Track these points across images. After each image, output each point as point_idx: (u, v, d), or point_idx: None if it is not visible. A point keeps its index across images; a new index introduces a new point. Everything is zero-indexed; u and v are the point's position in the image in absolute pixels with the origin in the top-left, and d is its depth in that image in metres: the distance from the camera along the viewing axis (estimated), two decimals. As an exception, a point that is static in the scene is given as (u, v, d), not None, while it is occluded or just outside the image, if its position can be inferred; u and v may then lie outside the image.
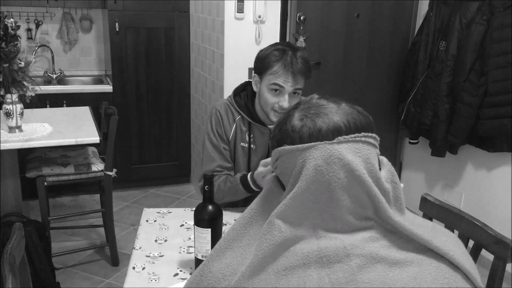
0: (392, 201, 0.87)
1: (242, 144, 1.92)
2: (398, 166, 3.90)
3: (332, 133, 0.85)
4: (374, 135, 0.89)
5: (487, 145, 2.96)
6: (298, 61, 1.75)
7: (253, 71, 1.88)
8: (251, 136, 1.91)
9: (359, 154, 0.85)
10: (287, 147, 0.88)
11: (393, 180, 0.90)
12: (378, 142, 0.91)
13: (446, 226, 1.66)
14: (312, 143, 0.85)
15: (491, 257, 1.47)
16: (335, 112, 0.87)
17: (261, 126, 1.90)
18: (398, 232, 0.85)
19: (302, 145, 0.86)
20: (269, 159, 1.70)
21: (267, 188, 0.97)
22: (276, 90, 1.76)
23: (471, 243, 1.56)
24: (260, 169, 1.71)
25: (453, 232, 1.62)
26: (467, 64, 2.91)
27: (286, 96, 1.76)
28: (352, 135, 0.85)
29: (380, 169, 0.90)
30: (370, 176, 0.85)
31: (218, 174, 1.88)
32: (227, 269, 0.90)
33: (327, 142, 0.84)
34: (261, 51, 1.84)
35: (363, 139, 0.86)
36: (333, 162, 0.83)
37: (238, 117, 1.92)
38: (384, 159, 0.93)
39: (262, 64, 1.80)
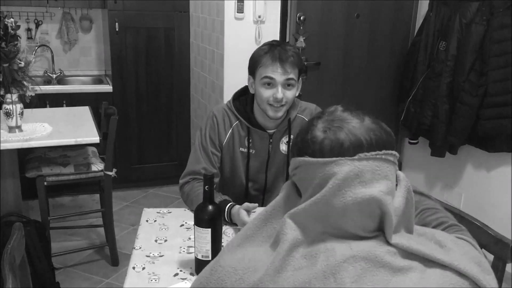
0: (402, 219, 0.87)
1: (241, 149, 1.90)
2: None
3: (354, 149, 0.85)
4: (394, 152, 0.89)
5: (486, 145, 2.96)
6: (287, 53, 1.74)
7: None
8: (250, 141, 1.89)
9: (378, 171, 0.85)
10: (307, 158, 0.87)
11: (407, 196, 0.90)
12: (397, 158, 0.91)
13: (446, 226, 1.66)
14: (333, 158, 0.85)
15: (491, 257, 1.47)
16: (358, 128, 0.86)
17: (260, 131, 1.88)
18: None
19: (323, 159, 0.85)
20: (252, 204, 1.67)
21: (284, 192, 0.96)
22: (268, 84, 1.75)
23: (471, 243, 1.56)
24: (243, 214, 1.65)
25: (453, 232, 1.63)
26: (467, 64, 2.91)
27: (279, 87, 1.74)
28: (373, 153, 0.85)
29: (396, 185, 0.90)
30: (389, 195, 0.85)
31: (196, 179, 1.86)
32: (238, 264, 0.90)
33: (348, 158, 0.84)
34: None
35: (383, 157, 0.86)
36: (351, 178, 0.83)
37: (235, 123, 1.90)
38: (401, 174, 0.92)
39: (252, 62, 1.81)
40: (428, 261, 0.84)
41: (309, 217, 0.86)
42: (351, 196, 0.82)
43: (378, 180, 0.85)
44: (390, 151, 0.88)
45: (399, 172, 0.92)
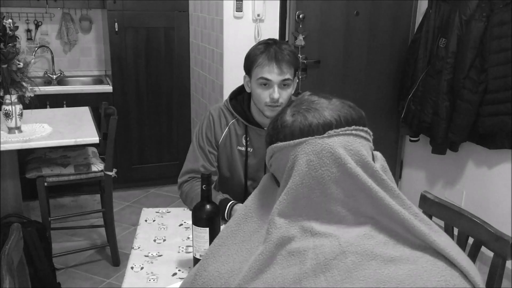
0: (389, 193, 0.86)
1: (239, 147, 1.90)
2: (399, 164, 3.89)
3: (323, 128, 0.86)
4: (365, 128, 0.89)
5: (487, 142, 2.95)
6: (283, 52, 1.74)
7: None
8: (248, 139, 1.89)
9: (350, 147, 0.85)
10: (279, 143, 0.89)
11: (386, 175, 0.89)
12: (371, 136, 0.91)
13: (446, 224, 1.66)
14: (303, 139, 0.86)
15: (491, 254, 1.46)
16: (325, 107, 0.88)
17: (258, 129, 1.88)
18: (395, 226, 0.84)
19: (294, 141, 0.87)
20: None
21: (262, 185, 0.97)
22: (264, 84, 1.75)
23: (471, 240, 1.56)
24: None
25: (453, 230, 1.63)
26: (467, 61, 2.90)
27: (276, 87, 1.74)
28: (343, 129, 0.86)
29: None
30: (364, 169, 0.85)
31: (195, 178, 1.86)
32: (223, 267, 0.90)
33: (318, 136, 0.85)
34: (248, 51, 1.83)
35: (353, 132, 0.87)
36: (325, 156, 0.84)
37: (232, 121, 1.90)
38: (378, 154, 0.93)
39: (248, 61, 1.81)
40: (419, 250, 0.82)
41: (292, 205, 0.85)
42: (322, 169, 0.83)
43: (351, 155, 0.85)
44: (360, 127, 0.88)
45: (376, 152, 0.93)
